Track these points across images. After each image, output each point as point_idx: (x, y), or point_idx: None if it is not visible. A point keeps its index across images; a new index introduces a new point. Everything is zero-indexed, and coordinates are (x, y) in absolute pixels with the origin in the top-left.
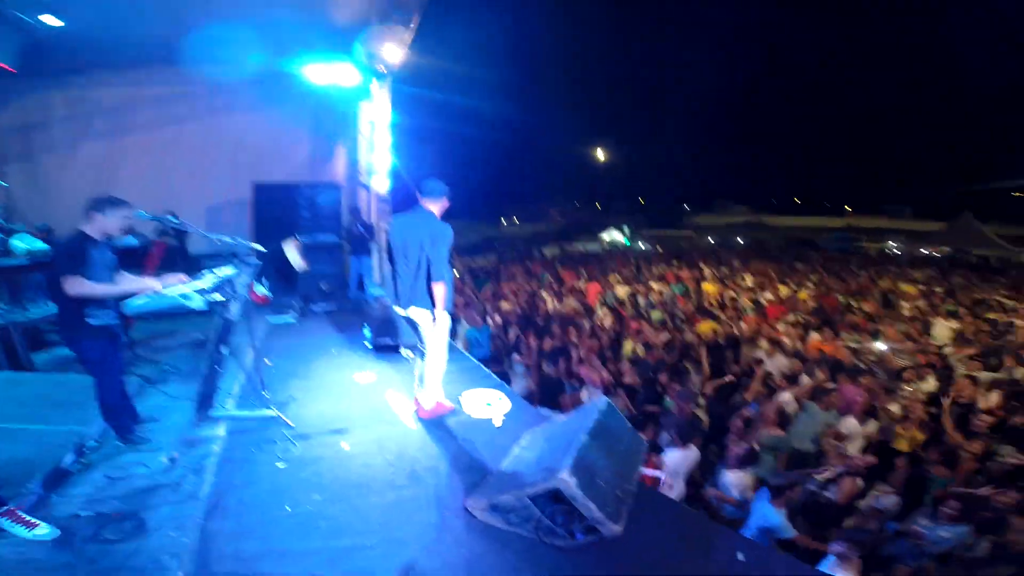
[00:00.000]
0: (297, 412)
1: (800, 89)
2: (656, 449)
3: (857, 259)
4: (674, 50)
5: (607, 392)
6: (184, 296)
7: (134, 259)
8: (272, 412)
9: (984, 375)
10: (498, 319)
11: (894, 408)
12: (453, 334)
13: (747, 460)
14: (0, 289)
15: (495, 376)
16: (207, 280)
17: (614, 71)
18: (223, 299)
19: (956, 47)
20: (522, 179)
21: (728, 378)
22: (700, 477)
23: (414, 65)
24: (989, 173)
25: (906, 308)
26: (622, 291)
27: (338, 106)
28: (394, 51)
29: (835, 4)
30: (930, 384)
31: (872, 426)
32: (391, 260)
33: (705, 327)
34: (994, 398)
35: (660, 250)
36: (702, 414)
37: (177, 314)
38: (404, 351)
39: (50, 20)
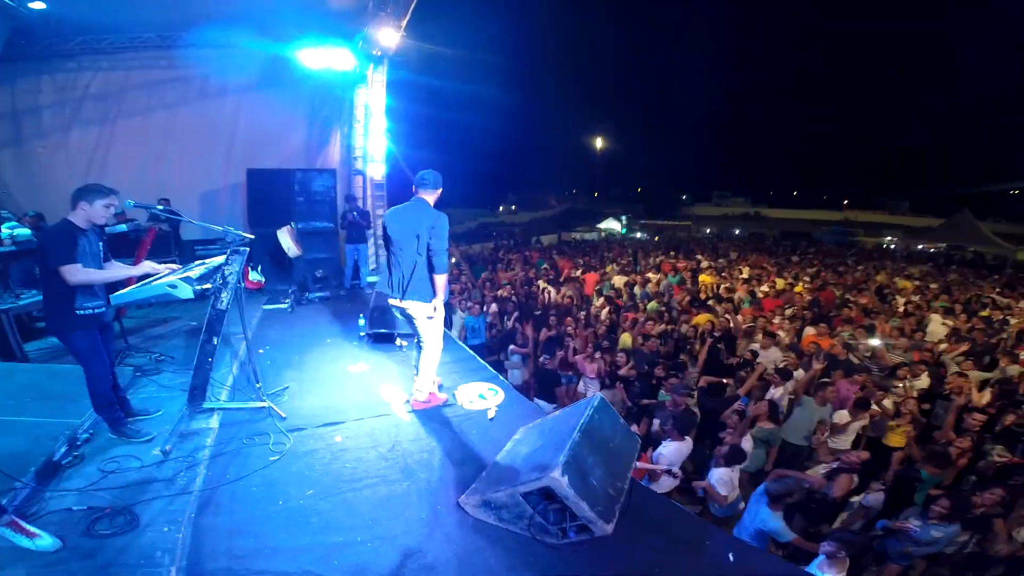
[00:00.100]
0: (290, 403)
1: (801, 83)
2: (652, 442)
3: (853, 253)
4: (676, 40)
5: (603, 384)
6: (171, 285)
7: (125, 246)
8: (265, 404)
9: (975, 373)
10: (494, 307)
11: (887, 404)
12: (449, 323)
13: (734, 458)
14: None
15: (490, 367)
16: (196, 270)
17: (615, 59)
18: (212, 288)
19: (960, 46)
20: (520, 166)
21: (726, 380)
22: (692, 469)
23: (411, 50)
24: (989, 173)
25: (901, 304)
26: (619, 281)
27: (334, 91)
28: (390, 35)
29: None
30: (923, 381)
31: (863, 420)
32: (387, 251)
33: (701, 319)
34: (985, 396)
35: (657, 240)
36: (694, 406)
37: (166, 302)
38: (398, 341)
39: (35, 4)
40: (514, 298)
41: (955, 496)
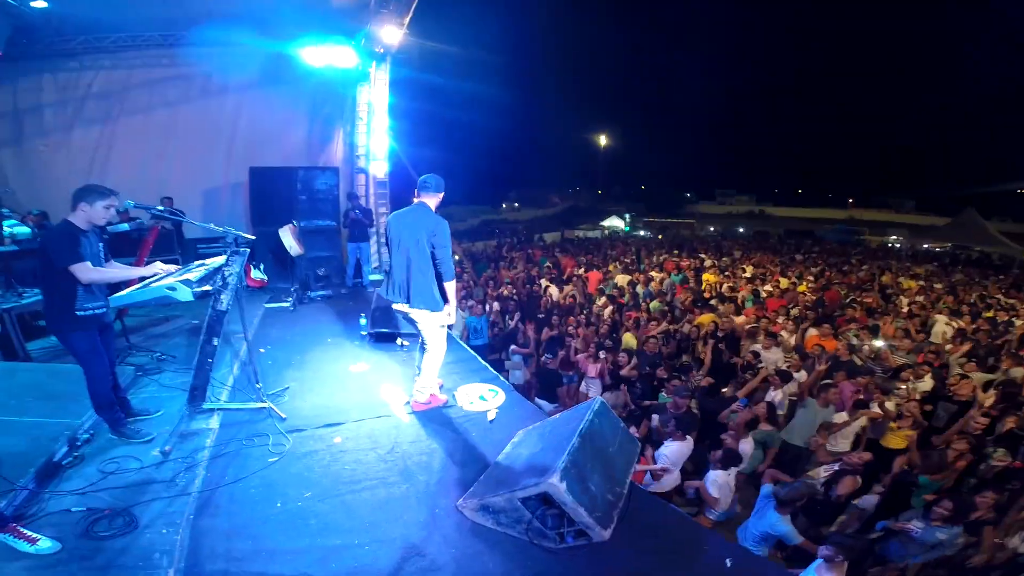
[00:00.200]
0: (290, 404)
1: (806, 80)
2: (653, 442)
3: (858, 252)
4: (680, 38)
5: (607, 385)
6: (170, 287)
7: (128, 245)
8: (265, 404)
9: (978, 375)
10: (496, 306)
11: (889, 406)
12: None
13: (729, 460)
14: None
15: (491, 368)
16: (195, 272)
17: (619, 56)
18: (212, 290)
19: (965, 44)
20: (523, 164)
21: (725, 390)
22: (692, 469)
23: (413, 48)
24: (995, 172)
25: (905, 304)
26: (622, 280)
27: (336, 89)
28: (392, 33)
29: None
30: (927, 383)
31: (862, 422)
32: (389, 255)
33: (704, 318)
34: (991, 398)
35: (660, 238)
36: (694, 407)
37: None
38: (400, 340)
39: (37, 3)
40: (515, 297)
41: (957, 497)
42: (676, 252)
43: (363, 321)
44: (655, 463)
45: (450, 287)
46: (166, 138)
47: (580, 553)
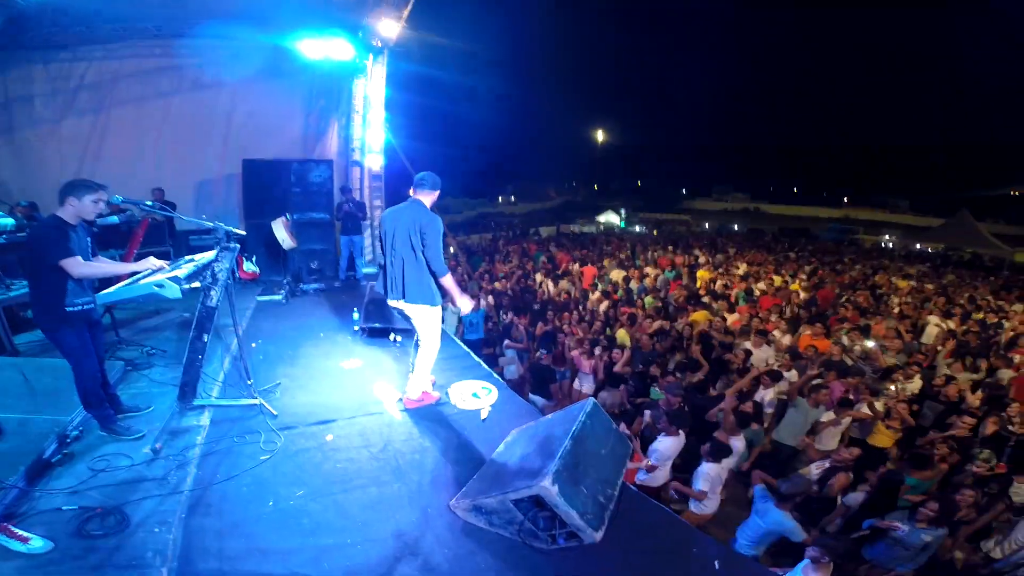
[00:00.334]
0: (282, 400)
1: (803, 79)
2: (646, 439)
3: (851, 251)
4: (679, 34)
5: (602, 384)
6: (158, 284)
7: (117, 237)
8: (256, 401)
9: (963, 376)
10: (491, 300)
11: (878, 407)
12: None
13: (718, 452)
14: None
15: (484, 365)
16: (184, 268)
17: (617, 52)
18: (202, 286)
19: (965, 46)
20: (519, 157)
21: (714, 390)
22: (680, 463)
23: (411, 41)
24: (991, 175)
25: (896, 304)
26: (617, 275)
27: (331, 82)
28: (391, 26)
29: None
30: (916, 384)
31: (847, 420)
32: (383, 251)
33: (699, 316)
34: (976, 400)
35: (656, 234)
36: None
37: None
38: (393, 335)
39: None
40: (509, 292)
41: (942, 499)
42: (671, 248)
43: (356, 316)
44: (648, 459)
45: (447, 281)
46: (159, 129)
47: (571, 554)
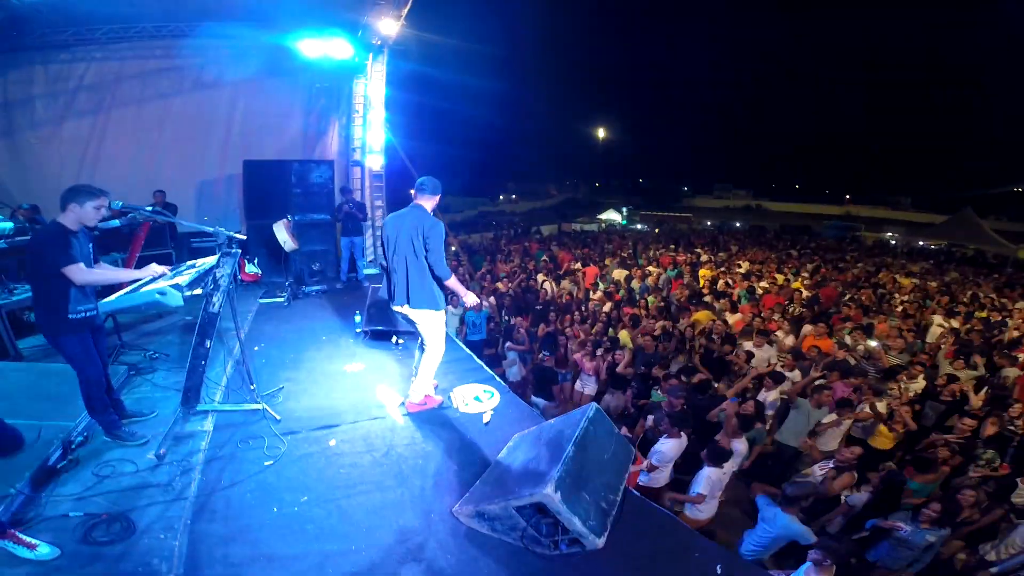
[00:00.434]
0: (285, 405)
1: (804, 75)
2: (648, 441)
3: (852, 248)
4: (679, 30)
5: (605, 388)
6: (160, 292)
7: (119, 241)
8: (259, 406)
9: (964, 374)
10: (493, 300)
11: (880, 408)
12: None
13: (717, 457)
14: None
15: (486, 368)
16: (186, 275)
17: (618, 49)
18: (204, 292)
19: (967, 44)
20: (521, 156)
21: (715, 387)
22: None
23: (411, 40)
24: (994, 172)
25: (899, 303)
26: (619, 274)
27: (331, 81)
28: (390, 25)
29: None
30: (919, 384)
31: (848, 420)
32: (385, 257)
33: (702, 315)
34: (979, 399)
35: (658, 232)
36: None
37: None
38: (395, 338)
39: None
40: (510, 293)
41: (946, 500)
42: (672, 247)
43: (358, 319)
44: (649, 459)
45: (451, 282)
46: (159, 130)
47: (574, 560)
